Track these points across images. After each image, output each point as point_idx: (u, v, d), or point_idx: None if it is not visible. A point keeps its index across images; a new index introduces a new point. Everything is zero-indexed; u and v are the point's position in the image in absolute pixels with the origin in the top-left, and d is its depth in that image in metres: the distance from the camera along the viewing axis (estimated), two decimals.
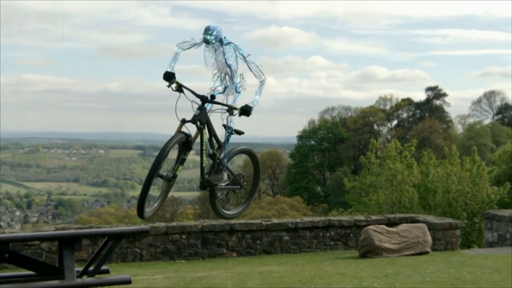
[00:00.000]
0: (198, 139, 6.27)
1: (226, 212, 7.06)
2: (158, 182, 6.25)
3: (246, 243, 13.22)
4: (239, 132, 6.56)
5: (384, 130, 75.89)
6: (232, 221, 13.66)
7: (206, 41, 6.23)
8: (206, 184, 6.62)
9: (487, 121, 74.23)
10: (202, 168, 6.43)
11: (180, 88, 6.14)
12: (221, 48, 6.31)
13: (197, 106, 6.18)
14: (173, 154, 6.18)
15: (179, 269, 11.19)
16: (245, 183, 7.09)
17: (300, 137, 73.25)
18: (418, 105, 76.02)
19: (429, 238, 12.68)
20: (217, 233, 13.03)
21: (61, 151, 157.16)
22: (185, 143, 6.14)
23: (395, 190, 27.06)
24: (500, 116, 77.02)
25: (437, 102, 76.24)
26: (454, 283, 8.45)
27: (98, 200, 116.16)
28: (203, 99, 6.18)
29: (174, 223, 13.46)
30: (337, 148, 71.31)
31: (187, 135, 6.10)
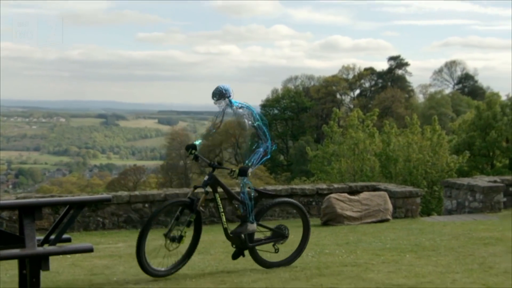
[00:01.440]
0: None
1: (274, 262, 7.45)
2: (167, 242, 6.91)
3: (209, 211, 13.24)
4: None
5: (347, 99, 76.35)
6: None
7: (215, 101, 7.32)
8: (237, 242, 7.24)
9: (448, 91, 75.25)
10: (224, 229, 7.22)
11: (196, 157, 7.35)
12: (233, 108, 7.46)
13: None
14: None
15: None
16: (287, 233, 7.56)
17: (263, 106, 73.20)
18: (381, 75, 76.50)
19: (390, 206, 12.86)
20: None
21: (21, 120, 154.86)
22: (190, 207, 6.94)
23: (357, 158, 27.32)
24: (460, 85, 78.07)
25: (399, 72, 76.85)
26: (414, 249, 8.61)
27: (60, 169, 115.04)
28: (212, 166, 7.21)
29: (136, 192, 13.40)
30: (300, 117, 71.57)
31: (192, 199, 6.97)
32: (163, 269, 6.80)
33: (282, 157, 71.61)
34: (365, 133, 28.19)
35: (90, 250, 5.63)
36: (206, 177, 7.21)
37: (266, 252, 7.42)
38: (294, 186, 14.55)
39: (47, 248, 5.64)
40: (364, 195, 12.93)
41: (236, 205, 7.40)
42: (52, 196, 12.23)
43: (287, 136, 72.50)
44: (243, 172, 7.11)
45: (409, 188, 14.46)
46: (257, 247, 7.33)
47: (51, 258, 5.51)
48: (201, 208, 7.07)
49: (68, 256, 8.24)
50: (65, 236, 6.13)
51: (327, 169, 28.06)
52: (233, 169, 7.13)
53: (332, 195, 12.71)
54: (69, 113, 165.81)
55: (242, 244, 7.22)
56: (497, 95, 43.61)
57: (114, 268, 7.56)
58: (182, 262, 7.02)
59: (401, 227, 11.70)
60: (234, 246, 7.29)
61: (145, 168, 75.11)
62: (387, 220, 12.60)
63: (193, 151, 7.38)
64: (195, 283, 6.48)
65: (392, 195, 13.41)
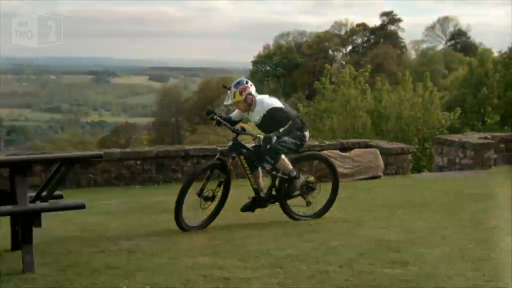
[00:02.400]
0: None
1: (305, 215, 7.79)
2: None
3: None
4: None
5: (339, 55, 76.04)
6: (187, 147, 13.65)
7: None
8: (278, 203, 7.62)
9: (440, 47, 75.04)
10: (255, 189, 7.52)
11: (218, 122, 7.51)
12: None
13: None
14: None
15: (135, 194, 11.19)
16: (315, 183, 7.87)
17: (255, 63, 72.87)
18: (373, 31, 76.08)
19: (381, 162, 12.89)
20: (172, 158, 13.00)
21: (11, 77, 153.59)
22: (220, 168, 7.33)
23: (349, 115, 27.34)
24: (453, 42, 77.74)
25: (392, 28, 76.43)
26: (405, 206, 8.66)
27: (52, 127, 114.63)
28: (236, 132, 7.43)
29: (128, 149, 13.37)
30: (292, 73, 71.30)
31: (222, 161, 7.34)
32: (195, 224, 7.14)
33: None
34: (357, 90, 28.17)
35: (82, 206, 5.64)
36: (230, 143, 7.49)
37: (296, 206, 7.75)
38: None
39: (38, 204, 5.65)
40: (355, 152, 12.96)
41: (263, 166, 7.57)
42: (43, 153, 12.21)
43: (279, 93, 72.18)
44: (267, 139, 7.18)
45: (401, 145, 14.50)
46: (287, 201, 7.66)
47: (43, 215, 5.51)
48: (231, 167, 7.42)
49: (61, 213, 8.23)
50: (56, 193, 6.13)
51: (319, 126, 28.08)
52: (258, 136, 7.24)
53: (324, 151, 12.72)
54: (59, 70, 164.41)
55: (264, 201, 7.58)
56: (489, 51, 43.48)
57: (106, 225, 7.59)
58: (212, 218, 7.32)
59: (392, 183, 11.76)
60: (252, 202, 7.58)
61: (137, 125, 74.98)
62: (378, 177, 12.65)
63: (215, 116, 7.54)
64: (187, 239, 6.52)
65: (384, 152, 13.44)
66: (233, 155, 7.42)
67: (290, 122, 7.22)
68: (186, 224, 7.05)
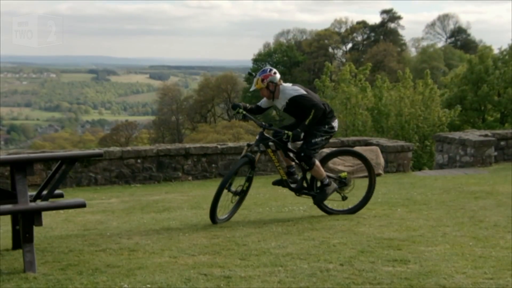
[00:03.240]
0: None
1: (341, 210, 8.00)
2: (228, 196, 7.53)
3: (201, 166, 13.27)
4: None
5: (339, 53, 75.97)
6: (187, 145, 13.66)
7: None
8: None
9: (440, 44, 74.95)
10: (284, 181, 7.80)
11: (244, 117, 7.72)
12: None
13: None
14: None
15: (135, 192, 11.21)
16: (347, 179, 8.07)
17: (255, 60, 72.80)
18: (373, 28, 76.01)
19: (381, 160, 12.90)
20: (173, 157, 13.02)
21: (11, 75, 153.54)
22: (250, 164, 7.54)
23: (349, 113, 27.34)
24: (453, 39, 77.69)
25: (392, 25, 76.35)
26: (405, 203, 8.67)
27: (52, 125, 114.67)
28: (263, 126, 7.64)
29: (129, 148, 13.39)
30: (292, 71, 71.19)
31: (250, 158, 7.52)
32: (223, 217, 7.48)
33: (274, 112, 71.47)
34: (357, 88, 28.16)
35: (82, 205, 5.63)
36: (257, 137, 7.63)
37: (332, 200, 7.95)
38: None
39: (39, 203, 5.64)
40: (356, 149, 12.95)
41: (292, 158, 7.78)
42: (43, 152, 12.22)
43: None
44: (296, 136, 7.41)
45: (401, 143, 14.50)
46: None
47: (44, 213, 5.51)
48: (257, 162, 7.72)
49: (61, 211, 8.27)
50: (57, 191, 6.13)
51: None
52: (286, 132, 7.42)
53: (324, 149, 12.72)
54: (59, 68, 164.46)
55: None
56: (489, 48, 43.44)
57: (107, 223, 7.60)
58: (236, 210, 7.66)
59: (393, 181, 11.76)
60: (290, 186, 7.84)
61: (137, 124, 74.98)
62: (378, 175, 12.64)
63: (240, 110, 7.70)
64: (188, 237, 6.52)
65: (384, 150, 13.45)
66: (261, 149, 7.62)
67: (313, 110, 7.32)
68: (218, 218, 7.36)
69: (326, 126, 7.61)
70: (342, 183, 7.99)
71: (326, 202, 7.85)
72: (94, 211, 8.58)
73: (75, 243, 6.31)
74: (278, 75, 7.59)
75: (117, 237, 6.63)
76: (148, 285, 4.79)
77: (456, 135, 15.16)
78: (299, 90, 7.56)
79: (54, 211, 5.98)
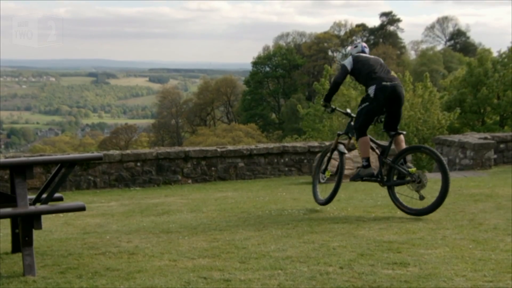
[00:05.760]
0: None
1: (416, 210, 7.89)
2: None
3: (201, 170, 13.27)
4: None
5: (339, 56, 76.00)
6: (187, 148, 13.66)
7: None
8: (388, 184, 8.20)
9: (439, 47, 75.04)
10: (364, 166, 8.34)
11: (333, 110, 8.62)
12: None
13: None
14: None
15: (134, 196, 11.20)
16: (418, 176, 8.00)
17: (254, 64, 72.87)
18: (372, 31, 76.15)
19: None
20: (172, 160, 13.03)
21: (11, 79, 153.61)
22: (341, 153, 8.48)
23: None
24: (452, 42, 77.81)
25: (391, 28, 76.49)
26: None
27: (52, 129, 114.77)
28: (349, 115, 8.58)
29: (128, 151, 13.39)
30: (291, 74, 71.31)
31: (344, 144, 8.62)
32: (322, 200, 8.34)
33: (273, 115, 71.60)
34: (357, 90, 28.16)
35: (82, 208, 5.63)
36: (347, 125, 8.54)
37: (407, 196, 7.97)
38: (285, 144, 14.58)
39: (39, 207, 5.64)
40: (355, 152, 12.94)
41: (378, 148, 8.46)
42: (42, 155, 12.22)
43: (279, 94, 72.34)
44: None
45: None
46: (396, 190, 8.02)
47: (43, 217, 5.51)
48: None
49: (61, 215, 8.27)
50: (57, 195, 6.13)
51: (318, 127, 28.10)
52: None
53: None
54: (58, 72, 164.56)
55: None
56: (488, 51, 43.49)
57: (107, 227, 7.59)
58: (333, 197, 8.26)
59: None
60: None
61: (137, 127, 75.06)
62: None
63: (329, 104, 8.50)
64: (187, 241, 6.52)
65: None
66: (350, 135, 8.43)
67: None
68: (319, 198, 8.37)
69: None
70: (414, 181, 7.83)
71: (402, 200, 7.88)
72: (94, 215, 8.58)
73: (74, 247, 6.31)
74: (357, 48, 8.44)
75: (117, 240, 6.62)
76: None
77: (456, 138, 15.16)
78: (347, 60, 8.29)
79: (53, 215, 5.98)
